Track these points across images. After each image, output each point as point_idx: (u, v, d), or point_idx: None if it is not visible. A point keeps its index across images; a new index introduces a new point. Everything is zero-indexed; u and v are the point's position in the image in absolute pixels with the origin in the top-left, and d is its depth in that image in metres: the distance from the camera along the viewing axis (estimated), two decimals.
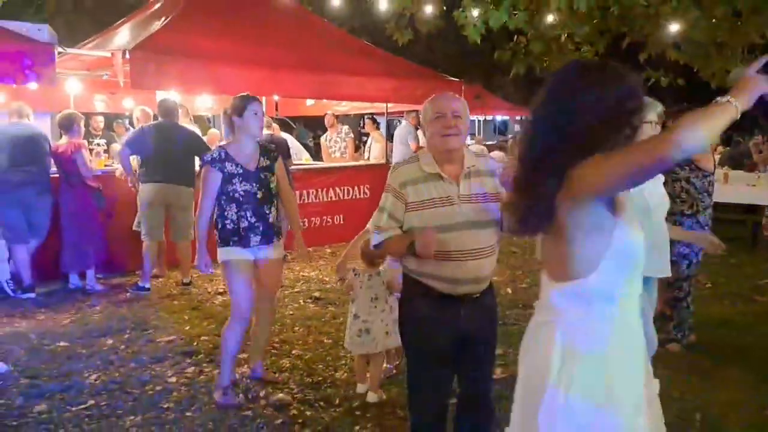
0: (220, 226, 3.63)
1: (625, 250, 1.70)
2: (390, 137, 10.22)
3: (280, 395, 3.76)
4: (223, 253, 3.64)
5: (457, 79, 8.81)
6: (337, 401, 3.72)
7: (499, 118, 24.77)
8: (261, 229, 3.63)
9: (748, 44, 7.99)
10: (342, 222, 8.39)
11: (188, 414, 3.57)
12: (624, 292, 1.74)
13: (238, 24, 7.12)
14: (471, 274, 2.49)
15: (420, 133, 8.95)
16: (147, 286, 6.03)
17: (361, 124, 15.00)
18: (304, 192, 8.07)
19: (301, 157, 9.67)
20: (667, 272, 3.39)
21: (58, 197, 6.02)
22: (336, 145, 9.95)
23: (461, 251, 2.45)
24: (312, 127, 18.17)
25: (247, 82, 6.24)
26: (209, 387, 3.85)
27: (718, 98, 1.53)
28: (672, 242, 3.44)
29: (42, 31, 6.36)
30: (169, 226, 6.25)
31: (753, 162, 10.30)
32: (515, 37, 9.04)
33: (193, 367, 4.22)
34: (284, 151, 6.95)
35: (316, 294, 5.95)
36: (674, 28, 7.79)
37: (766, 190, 8.05)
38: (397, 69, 8.19)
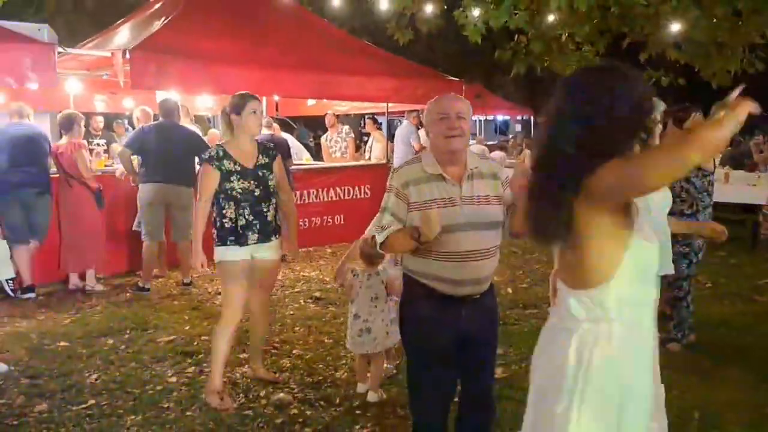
0: (218, 225, 3.63)
1: (641, 256, 1.71)
2: (391, 137, 10.22)
3: (281, 395, 3.76)
4: (219, 253, 3.63)
5: (457, 79, 8.79)
6: (338, 401, 3.73)
7: (500, 117, 24.78)
8: (258, 227, 3.63)
9: (749, 44, 7.99)
10: (342, 222, 8.39)
11: (188, 413, 3.57)
12: (640, 298, 1.75)
13: (238, 24, 7.12)
14: (472, 275, 2.49)
15: (422, 132, 8.94)
16: (147, 286, 6.03)
17: (362, 124, 15.00)
18: (305, 192, 8.07)
19: (301, 157, 9.66)
20: (669, 269, 3.39)
21: (58, 197, 6.03)
22: (336, 145, 9.94)
23: (463, 252, 2.45)
24: (312, 127, 18.15)
25: (247, 82, 6.24)
26: None
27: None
28: (672, 242, 3.44)
29: (42, 31, 6.38)
30: (170, 227, 6.25)
31: (754, 162, 10.30)
32: (516, 36, 9.03)
33: (193, 367, 4.22)
34: (285, 151, 6.95)
35: (317, 294, 5.95)
36: (675, 27, 7.79)
37: (766, 190, 8.05)
38: (397, 69, 8.19)
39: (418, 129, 9.30)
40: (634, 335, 1.74)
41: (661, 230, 3.29)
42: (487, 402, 2.72)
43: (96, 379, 4.03)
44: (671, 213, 3.70)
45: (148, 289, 6.01)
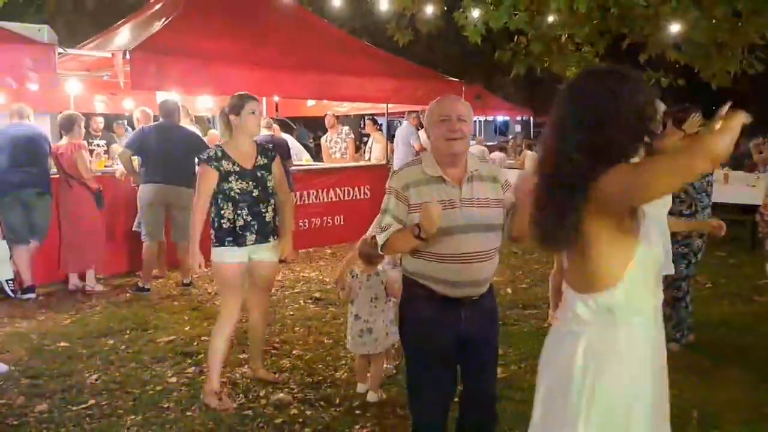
0: (216, 225, 3.63)
1: (648, 260, 1.72)
2: (391, 138, 10.22)
3: (281, 395, 3.76)
4: (216, 254, 3.63)
5: (457, 80, 8.81)
6: (338, 401, 3.73)
7: (499, 118, 24.78)
8: (256, 227, 3.63)
9: (749, 44, 7.99)
10: (342, 223, 8.39)
11: (188, 414, 3.57)
12: (647, 301, 1.76)
13: (238, 24, 7.13)
14: (471, 277, 2.50)
15: (422, 133, 8.94)
16: (147, 286, 6.04)
17: (362, 125, 14.99)
18: (305, 193, 8.07)
19: (301, 157, 9.67)
20: (670, 270, 3.40)
21: (58, 197, 6.03)
22: (336, 146, 9.94)
23: (462, 254, 2.45)
24: (312, 128, 18.15)
25: (247, 82, 6.24)
26: None
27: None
28: (671, 242, 3.45)
29: (42, 32, 6.38)
30: (170, 227, 6.26)
31: (753, 162, 10.29)
32: (516, 37, 9.04)
33: (193, 367, 4.23)
34: (284, 151, 6.96)
35: (317, 294, 5.95)
36: (674, 28, 7.79)
37: (764, 191, 8.04)
38: (397, 69, 8.20)
39: (418, 130, 9.30)
40: (642, 338, 1.75)
41: (661, 231, 3.30)
42: (488, 403, 2.71)
43: (96, 379, 4.03)
44: (670, 213, 3.71)
45: (148, 290, 6.02)
